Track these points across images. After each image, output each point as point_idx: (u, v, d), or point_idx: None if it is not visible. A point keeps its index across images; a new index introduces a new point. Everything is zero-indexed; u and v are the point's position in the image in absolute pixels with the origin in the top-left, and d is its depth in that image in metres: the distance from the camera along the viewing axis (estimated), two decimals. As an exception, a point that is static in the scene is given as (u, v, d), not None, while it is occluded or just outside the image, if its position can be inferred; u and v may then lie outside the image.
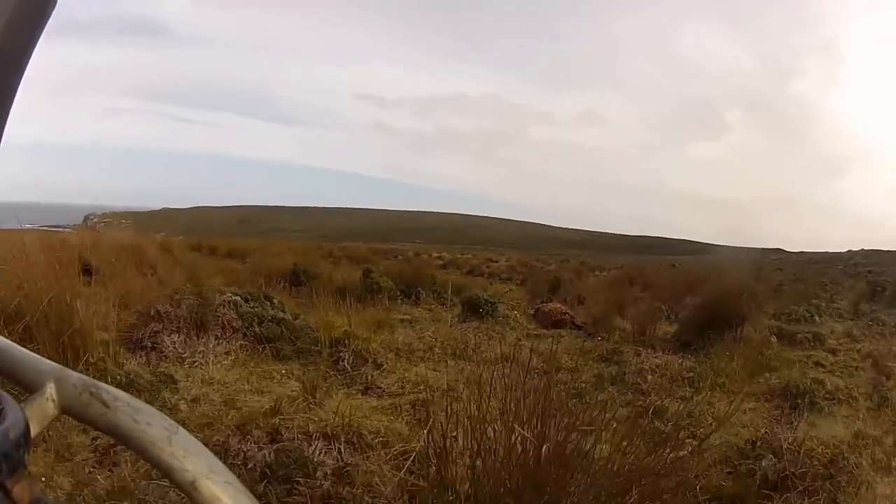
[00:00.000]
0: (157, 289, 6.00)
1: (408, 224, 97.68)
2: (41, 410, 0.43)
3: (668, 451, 2.21)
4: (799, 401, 4.94)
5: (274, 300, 6.94)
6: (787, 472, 3.24)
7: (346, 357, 6.04)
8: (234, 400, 4.13)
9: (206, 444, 0.43)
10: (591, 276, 21.83)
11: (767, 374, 5.66)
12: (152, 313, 5.16)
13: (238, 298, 6.63)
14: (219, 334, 5.59)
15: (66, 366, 0.46)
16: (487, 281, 17.76)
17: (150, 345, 4.81)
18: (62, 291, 3.80)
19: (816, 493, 3.14)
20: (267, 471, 2.92)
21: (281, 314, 6.53)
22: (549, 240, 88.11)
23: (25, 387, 0.45)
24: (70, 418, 0.45)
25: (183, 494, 0.40)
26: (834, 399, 5.20)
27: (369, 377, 5.53)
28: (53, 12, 0.40)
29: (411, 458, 2.86)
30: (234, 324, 5.83)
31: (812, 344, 7.06)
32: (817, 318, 8.42)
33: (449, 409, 2.81)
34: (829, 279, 13.59)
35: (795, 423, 4.38)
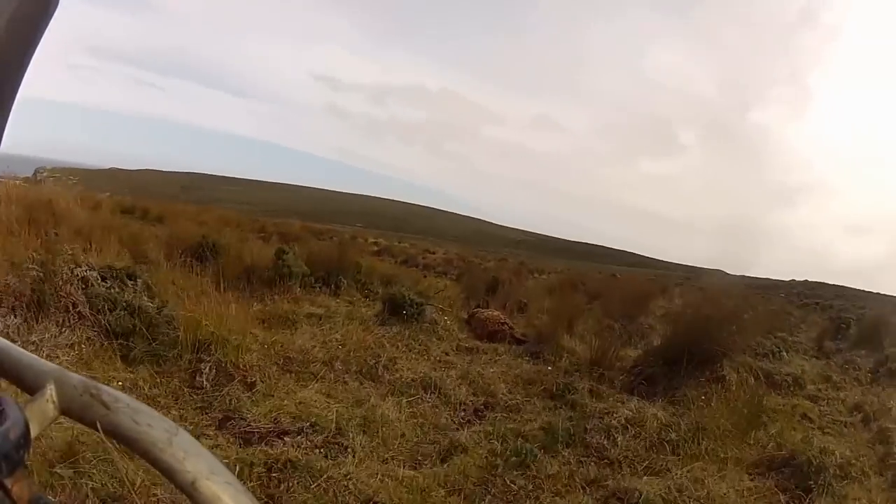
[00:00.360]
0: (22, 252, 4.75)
1: (351, 207, 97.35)
2: (41, 411, 0.43)
3: None
4: (811, 481, 3.66)
5: (139, 279, 5.16)
6: None
7: (206, 370, 4.41)
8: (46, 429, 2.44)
9: None
10: (530, 277, 21.03)
11: (759, 432, 4.37)
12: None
13: (94, 274, 4.88)
14: (61, 320, 4.32)
15: None
16: (422, 273, 16.69)
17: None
18: None
19: None
20: None
21: (144, 300, 4.83)
22: (489, 236, 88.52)
23: (25, 388, 0.45)
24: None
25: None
26: (844, 475, 3.98)
27: (233, 402, 4.14)
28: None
29: None
30: (82, 309, 4.45)
31: (792, 388, 5.91)
32: (785, 353, 7.34)
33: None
34: (778, 307, 12.83)
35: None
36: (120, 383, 3.94)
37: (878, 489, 4.05)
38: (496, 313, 7.93)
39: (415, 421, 4.18)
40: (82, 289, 4.67)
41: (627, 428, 3.86)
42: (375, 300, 8.06)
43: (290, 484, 2.83)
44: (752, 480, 3.69)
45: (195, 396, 4.14)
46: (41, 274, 4.40)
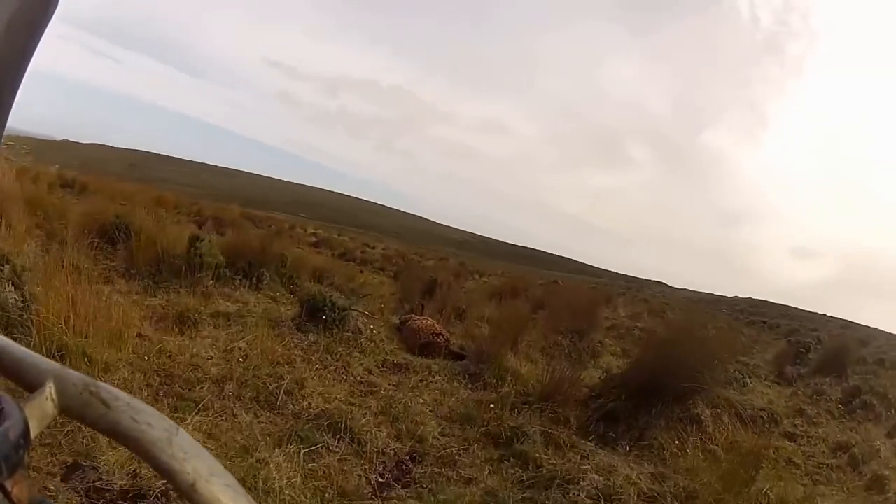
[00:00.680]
0: None
1: (295, 197, 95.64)
2: (41, 410, 0.42)
3: None
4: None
5: (6, 266, 4.04)
6: None
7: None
8: None
9: None
10: (470, 279, 20.24)
11: (751, 488, 3.50)
12: None
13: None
14: None
15: None
16: (358, 268, 15.57)
17: None
18: None
19: None
20: None
21: (9, 292, 3.85)
22: (430, 235, 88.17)
23: (25, 386, 0.44)
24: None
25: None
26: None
27: (86, 442, 3.09)
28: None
29: None
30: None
31: (767, 426, 5.16)
32: (748, 380, 6.65)
33: None
34: (725, 324, 12.44)
35: None
36: None
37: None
38: (431, 322, 6.84)
39: (314, 484, 3.04)
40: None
41: (601, 496, 2.85)
42: (301, 297, 6.97)
43: None
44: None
45: (42, 431, 2.86)
46: None
